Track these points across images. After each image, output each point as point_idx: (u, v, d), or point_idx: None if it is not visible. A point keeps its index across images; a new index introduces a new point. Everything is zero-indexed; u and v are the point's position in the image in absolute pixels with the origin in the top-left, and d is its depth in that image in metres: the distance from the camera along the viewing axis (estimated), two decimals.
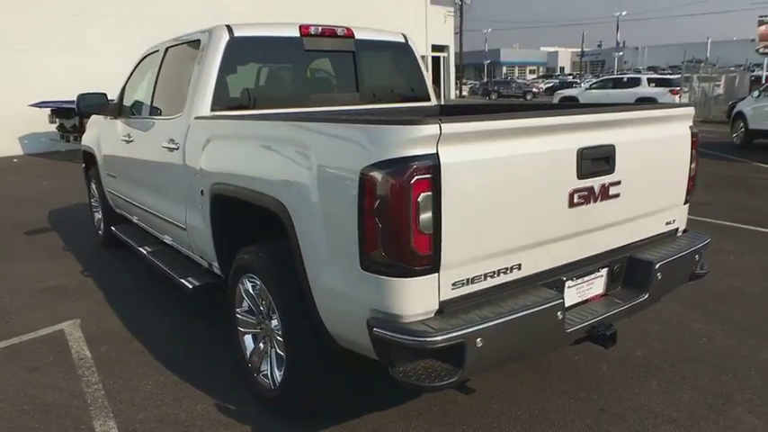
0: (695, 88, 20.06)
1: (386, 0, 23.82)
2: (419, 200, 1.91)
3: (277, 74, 3.91)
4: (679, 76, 20.86)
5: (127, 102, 4.92)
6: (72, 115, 13.01)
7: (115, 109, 4.96)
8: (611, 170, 2.46)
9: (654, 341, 3.59)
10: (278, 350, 2.74)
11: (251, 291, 2.88)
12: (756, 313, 3.96)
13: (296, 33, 3.76)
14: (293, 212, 2.34)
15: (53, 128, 13.96)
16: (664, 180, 2.82)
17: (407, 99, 4.33)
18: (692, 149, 2.91)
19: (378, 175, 1.93)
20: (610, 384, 3.10)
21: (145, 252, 4.40)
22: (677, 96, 19.27)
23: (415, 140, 1.91)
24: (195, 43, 3.65)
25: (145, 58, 4.80)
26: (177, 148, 3.50)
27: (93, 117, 6.04)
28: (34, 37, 14.54)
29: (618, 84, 21.71)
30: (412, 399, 2.97)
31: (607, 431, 2.69)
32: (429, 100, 4.45)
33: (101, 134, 5.29)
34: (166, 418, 2.88)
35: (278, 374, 2.76)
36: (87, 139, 5.81)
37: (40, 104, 13.36)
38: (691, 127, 2.91)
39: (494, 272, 2.18)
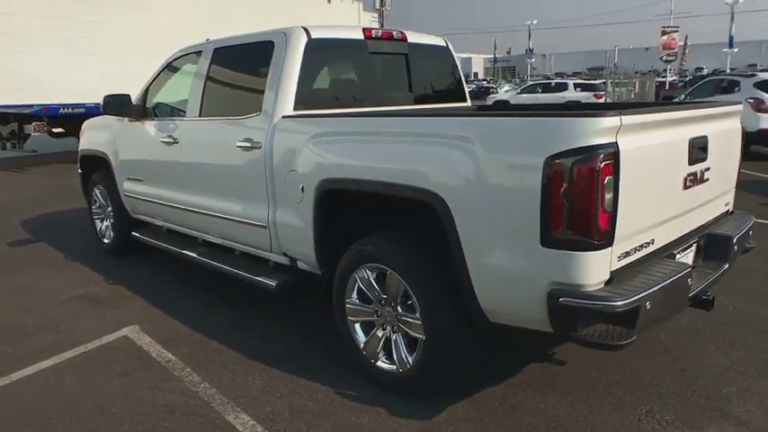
0: (613, 92, 21.70)
1: (323, 7, 23.96)
2: (605, 183, 2.19)
3: (347, 74, 4.05)
4: (600, 81, 22.48)
5: (156, 103, 4.85)
6: (9, 120, 12.16)
7: (138, 111, 4.87)
8: (706, 158, 2.85)
9: (689, 311, 4.04)
10: (411, 333, 2.90)
11: (370, 280, 3.02)
12: (762, 284, 4.55)
13: (361, 36, 3.93)
14: (451, 201, 2.53)
15: None
16: (728, 166, 3.26)
17: (449, 99, 4.59)
18: (741, 141, 3.38)
19: (567, 162, 2.18)
20: (676, 349, 3.50)
21: (195, 255, 4.37)
22: (601, 100, 20.76)
23: (600, 131, 2.18)
24: (265, 44, 3.71)
25: (176, 60, 4.75)
26: (258, 147, 3.56)
27: (98, 120, 5.86)
28: None
29: (546, 88, 23.06)
30: (517, 373, 3.23)
31: (698, 385, 3.08)
32: (466, 101, 4.74)
33: (118, 138, 5.14)
34: (296, 407, 2.96)
35: (409, 357, 2.92)
36: (93, 144, 5.60)
37: None
38: (740, 121, 3.38)
39: (639, 246, 2.49)
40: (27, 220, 7.42)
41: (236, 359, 3.49)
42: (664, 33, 29.92)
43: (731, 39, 43.02)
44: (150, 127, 4.72)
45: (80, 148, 5.91)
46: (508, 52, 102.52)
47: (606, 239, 2.25)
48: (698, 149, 2.76)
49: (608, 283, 2.32)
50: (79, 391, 3.18)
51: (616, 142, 2.20)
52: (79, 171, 6.03)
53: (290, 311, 4.17)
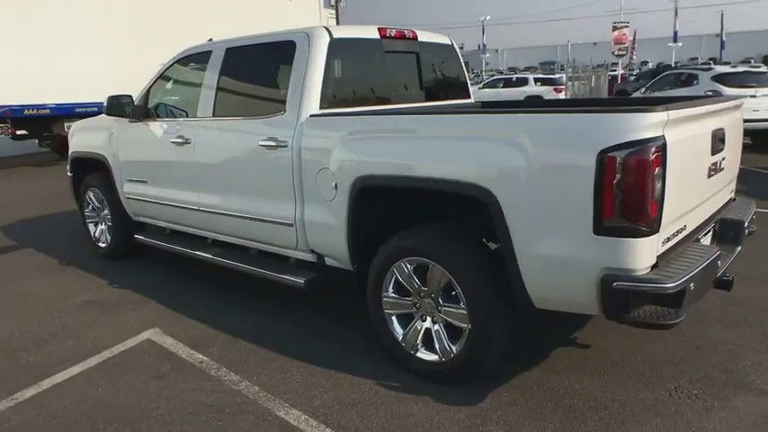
0: (573, 87, 22.34)
1: (284, 4, 23.76)
2: (655, 173, 2.34)
3: (365, 73, 4.09)
4: (559, 76, 23.10)
5: (159, 104, 4.79)
6: None
7: (140, 112, 4.80)
8: (723, 148, 3.06)
9: None
10: (454, 323, 3.00)
11: (410, 273, 3.11)
12: (752, 266, 4.85)
13: (377, 35, 4.00)
14: (500, 195, 2.64)
15: None
16: (735, 155, 3.49)
17: (456, 96, 4.71)
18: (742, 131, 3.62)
19: (620, 155, 2.32)
20: (686, 329, 3.72)
21: (211, 256, 4.36)
22: (561, 94, 21.36)
23: (649, 125, 2.33)
24: (285, 44, 3.74)
25: (179, 61, 4.71)
26: (284, 146, 3.59)
27: (91, 122, 5.75)
28: None
29: (508, 83, 23.55)
30: (546, 358, 3.38)
31: (715, 361, 3.30)
32: (469, 97, 4.87)
33: (118, 139, 5.05)
34: (343, 400, 3.02)
35: (453, 346, 3.03)
36: (89, 146, 5.47)
37: None
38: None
39: (676, 232, 2.66)
40: (4, 227, 7.16)
41: (269, 357, 3.52)
42: (615, 29, 30.88)
43: (675, 34, 44.94)
44: (156, 128, 4.66)
45: (72, 151, 5.76)
46: (461, 47, 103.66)
47: (654, 227, 2.41)
48: (718, 141, 2.96)
49: (654, 267, 2.48)
50: (118, 396, 3.15)
51: (663, 135, 2.36)
52: (70, 174, 5.88)
53: (306, 308, 4.21)
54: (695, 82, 12.08)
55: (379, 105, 3.94)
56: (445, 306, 3.03)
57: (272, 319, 4.09)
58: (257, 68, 4.07)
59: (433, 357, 3.13)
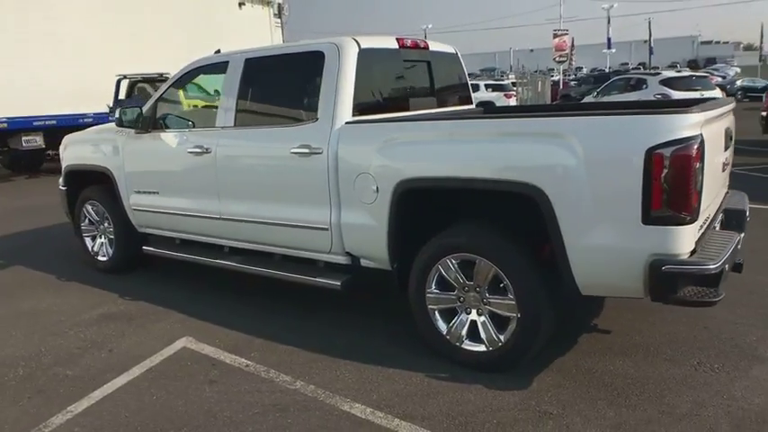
0: (522, 92, 23.19)
1: (234, 12, 23.60)
2: (697, 167, 2.63)
3: (387, 81, 4.25)
4: (507, 82, 23.90)
5: (167, 114, 4.81)
6: None
7: (149, 123, 4.80)
8: (730, 145, 3.41)
9: None
10: (501, 313, 3.21)
11: (456, 268, 3.30)
12: None
13: (395, 45, 4.19)
14: (550, 192, 2.86)
15: None
16: (732, 152, 3.87)
17: (461, 102, 4.96)
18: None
19: (666, 151, 2.60)
20: (689, 312, 4.04)
21: (234, 264, 4.41)
22: (510, 99, 22.12)
23: (691, 124, 2.63)
24: (313, 55, 3.87)
25: (190, 72, 4.75)
26: (318, 153, 3.71)
27: (89, 134, 5.66)
28: None
29: None
30: (575, 343, 3.64)
31: (725, 338, 3.64)
32: (472, 103, 5.12)
33: (124, 150, 5.00)
34: (400, 393, 3.17)
35: (500, 335, 3.23)
36: (89, 158, 5.39)
37: None
38: None
39: (704, 220, 2.97)
40: None
41: (312, 358, 3.62)
42: (555, 36, 32.15)
43: (609, 40, 47.19)
44: (168, 138, 4.67)
45: (67, 164, 5.64)
46: None
47: (695, 215, 2.70)
48: (728, 138, 3.31)
49: (692, 252, 2.77)
50: (177, 402, 3.18)
51: (701, 133, 2.66)
52: (63, 188, 5.75)
53: (330, 308, 4.33)
54: (644, 86, 12.88)
55: (398, 112, 4.12)
56: (492, 298, 3.24)
57: (300, 321, 4.19)
58: (282, 78, 4.17)
59: (480, 348, 3.32)
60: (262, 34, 25.58)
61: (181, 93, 4.88)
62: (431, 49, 4.55)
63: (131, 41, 18.39)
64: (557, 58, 32.49)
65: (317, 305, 4.40)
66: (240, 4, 24.21)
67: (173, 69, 16.16)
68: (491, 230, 3.24)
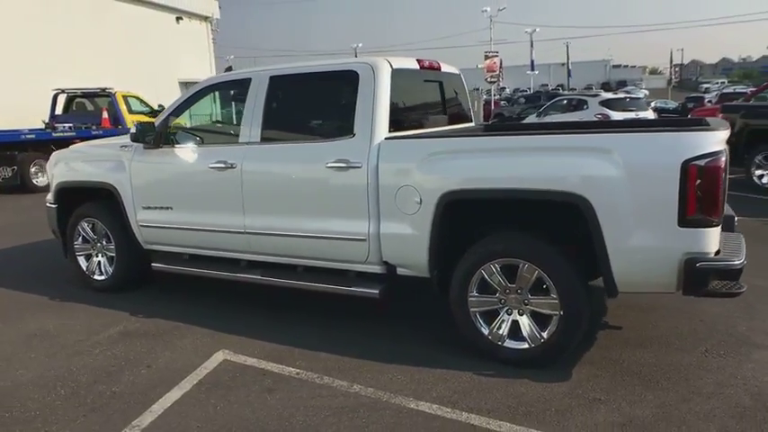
0: None
1: (172, 26, 23.21)
2: (723, 176, 3.06)
3: (412, 98, 4.50)
4: None
5: (178, 130, 4.84)
6: None
7: (157, 139, 4.80)
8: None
9: None
10: (543, 312, 3.51)
11: (498, 272, 3.58)
12: None
13: (417, 66, 4.47)
14: (594, 200, 3.21)
15: None
16: None
17: (464, 119, 5.29)
18: None
19: (700, 163, 3.01)
20: (683, 307, 4.53)
21: (260, 276, 4.48)
22: None
23: (718, 140, 3.06)
24: (347, 74, 4.08)
25: (204, 89, 4.81)
26: (357, 167, 3.90)
27: (86, 149, 5.56)
28: None
29: None
30: (594, 338, 4.00)
31: (721, 329, 4.11)
32: (471, 121, 5.47)
33: (132, 166, 4.95)
34: (457, 390, 3.39)
35: (542, 332, 3.53)
36: (89, 174, 5.29)
37: None
38: None
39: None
40: None
41: (358, 363, 3.77)
42: (487, 57, 33.67)
43: (532, 62, 49.77)
44: (185, 153, 4.70)
45: (60, 180, 5.47)
46: None
47: (721, 218, 3.13)
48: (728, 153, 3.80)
49: (717, 252, 3.19)
50: (243, 411, 3.25)
51: (726, 148, 3.09)
52: (53, 206, 5.57)
53: (359, 316, 4.49)
54: (585, 107, 13.85)
55: (419, 128, 4.39)
56: (533, 298, 3.54)
57: (330, 329, 4.33)
58: (311, 96, 4.34)
59: (522, 345, 3.61)
60: (200, 49, 25.38)
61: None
62: (442, 70, 4.86)
63: (67, 58, 17.71)
64: (488, 79, 33.90)
65: (343, 313, 4.55)
66: (178, 19, 23.92)
67: (113, 83, 15.63)
68: (533, 236, 3.55)
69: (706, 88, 50.28)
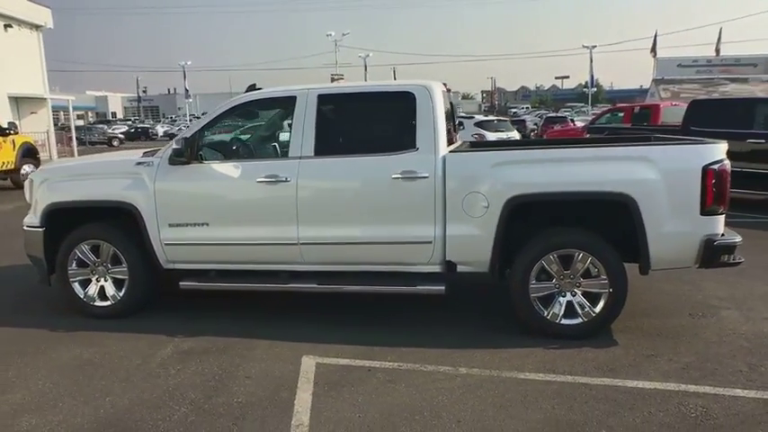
0: None
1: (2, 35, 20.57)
2: (729, 178, 4.15)
3: (447, 117, 5.05)
4: None
5: (211, 146, 4.86)
6: None
7: (189, 154, 4.76)
8: None
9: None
10: (594, 291, 4.32)
11: (557, 261, 4.32)
12: None
13: (444, 88, 5.08)
14: (638, 197, 4.10)
15: None
16: None
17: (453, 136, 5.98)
18: None
19: (715, 167, 4.07)
20: (662, 287, 5.68)
21: (317, 285, 4.68)
22: None
23: (723, 150, 4.16)
24: (403, 95, 4.57)
25: (237, 107, 4.91)
26: (424, 177, 4.39)
27: (90, 167, 5.25)
28: None
29: None
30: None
31: (696, 302, 5.30)
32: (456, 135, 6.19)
33: (156, 183, 4.78)
34: (544, 360, 4.03)
35: (593, 308, 4.33)
36: (103, 193, 4.96)
37: None
38: None
39: None
40: None
41: (443, 353, 4.17)
42: (333, 80, 34.94)
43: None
44: (226, 169, 4.73)
45: (52, 201, 5.00)
46: (144, 91, 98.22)
47: (726, 209, 4.22)
48: None
49: (722, 234, 4.28)
50: (387, 399, 3.53)
51: (725, 157, 4.21)
52: (38, 229, 5.07)
53: (411, 310, 4.91)
54: (462, 127, 15.40)
55: (451, 143, 4.99)
56: (586, 280, 4.33)
57: (396, 326, 4.74)
58: (365, 113, 4.70)
59: (576, 321, 4.37)
60: (30, 58, 22.70)
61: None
62: (452, 90, 5.52)
63: None
64: None
65: (393, 310, 4.94)
66: (6, 26, 21.28)
67: None
68: (587, 230, 4.35)
69: (514, 112, 57.11)
